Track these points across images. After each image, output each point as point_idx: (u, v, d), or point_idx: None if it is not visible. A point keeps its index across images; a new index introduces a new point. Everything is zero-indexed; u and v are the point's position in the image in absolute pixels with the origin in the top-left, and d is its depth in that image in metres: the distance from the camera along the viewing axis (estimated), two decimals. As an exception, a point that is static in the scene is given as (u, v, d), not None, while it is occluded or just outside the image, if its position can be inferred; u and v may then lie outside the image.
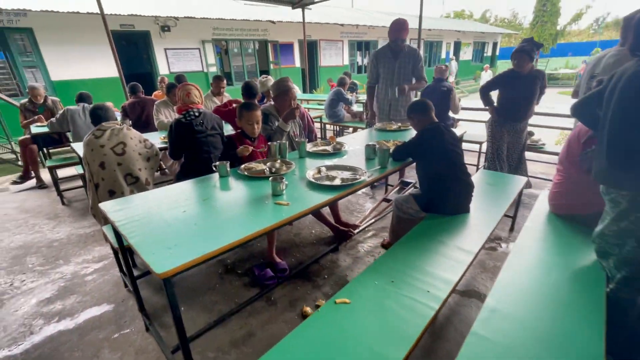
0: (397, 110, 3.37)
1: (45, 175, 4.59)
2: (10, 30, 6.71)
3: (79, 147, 2.95)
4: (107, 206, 1.51)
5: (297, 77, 11.83)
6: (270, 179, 1.60)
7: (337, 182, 1.73)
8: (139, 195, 1.68)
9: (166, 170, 3.95)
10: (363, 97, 6.81)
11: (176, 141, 2.52)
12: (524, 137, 3.27)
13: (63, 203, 3.75)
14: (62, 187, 4.04)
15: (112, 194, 2.23)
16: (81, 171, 3.33)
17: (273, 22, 9.84)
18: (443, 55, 18.86)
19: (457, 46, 19.64)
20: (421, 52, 3.29)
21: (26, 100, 4.42)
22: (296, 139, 2.58)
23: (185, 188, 1.76)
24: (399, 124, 3.16)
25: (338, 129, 6.52)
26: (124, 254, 1.76)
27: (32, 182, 4.43)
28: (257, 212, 1.41)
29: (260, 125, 2.27)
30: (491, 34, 22.06)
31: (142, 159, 2.38)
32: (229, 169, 1.91)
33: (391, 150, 2.10)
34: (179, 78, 4.59)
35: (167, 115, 3.76)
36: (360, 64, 14.45)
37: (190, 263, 1.04)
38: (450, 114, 4.23)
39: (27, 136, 4.24)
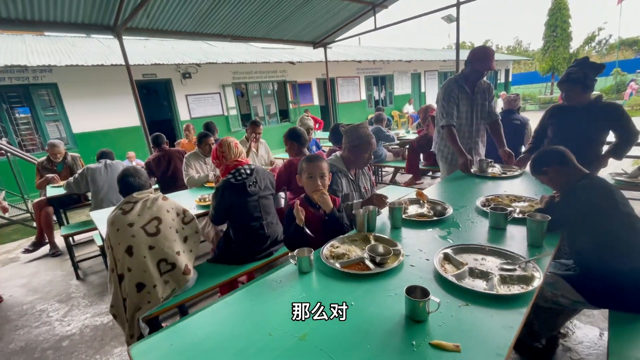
0: (478, 155, 2.77)
1: (59, 238, 4.10)
2: (35, 87, 6.67)
3: (98, 218, 2.43)
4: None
5: (315, 114, 11.62)
6: (404, 291, 0.97)
7: (496, 284, 1.09)
8: (188, 325, 1.06)
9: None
10: (394, 132, 6.33)
11: (223, 206, 1.97)
12: None
13: (78, 277, 3.19)
14: (77, 253, 3.52)
15: (141, 288, 1.64)
16: (100, 242, 2.79)
17: (293, 63, 9.78)
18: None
19: (471, 75, 19.54)
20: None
21: (44, 158, 4.05)
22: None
23: (258, 305, 1.15)
24: (498, 167, 2.55)
25: (374, 168, 5.97)
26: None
27: (46, 248, 3.93)
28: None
29: (327, 184, 1.69)
30: (503, 61, 22.05)
31: (180, 238, 1.82)
32: (312, 259, 1.30)
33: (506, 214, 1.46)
34: (208, 125, 4.19)
35: (199, 169, 3.28)
36: (377, 98, 14.27)
37: None
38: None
39: (43, 198, 3.81)
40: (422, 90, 16.36)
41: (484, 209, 1.71)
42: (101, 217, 2.42)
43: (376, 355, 0.84)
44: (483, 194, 1.97)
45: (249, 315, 1.06)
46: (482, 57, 2.52)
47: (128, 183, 1.78)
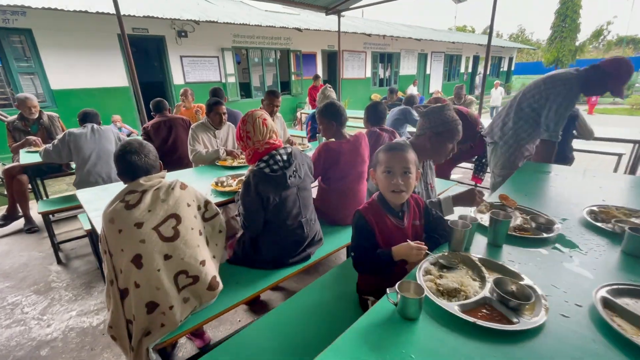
0: None
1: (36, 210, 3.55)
2: (5, 31, 5.76)
3: (88, 199, 1.93)
4: None
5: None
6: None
7: None
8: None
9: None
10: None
11: (257, 206, 1.52)
12: None
13: (59, 261, 2.71)
14: (58, 231, 3.03)
15: (153, 309, 1.21)
16: (87, 225, 2.30)
17: (300, 29, 8.99)
18: (462, 69, 18.20)
19: (476, 60, 19.03)
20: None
21: (15, 117, 3.42)
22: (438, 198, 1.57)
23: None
24: None
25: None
26: None
27: (19, 222, 3.39)
28: None
29: (413, 183, 1.25)
30: (508, 49, 21.50)
31: (204, 241, 1.37)
32: (422, 301, 0.90)
33: None
34: (216, 91, 3.62)
35: (207, 144, 2.77)
36: (382, 77, 13.63)
37: None
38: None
39: (15, 164, 3.22)
40: (427, 72, 15.76)
41: (604, 226, 1.34)
42: (90, 199, 1.93)
43: None
44: (572, 201, 1.63)
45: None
46: (630, 71, 1.97)
47: (130, 163, 1.28)
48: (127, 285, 1.20)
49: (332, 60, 11.97)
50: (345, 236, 2.02)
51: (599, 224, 1.37)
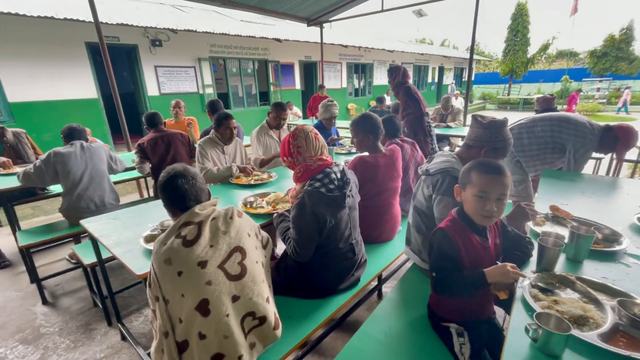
0: None
1: (4, 240, 3.10)
2: (-48, 38, 5.11)
3: (100, 232, 1.67)
4: None
5: (297, 99, 10.90)
6: None
7: None
8: None
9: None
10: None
11: (314, 232, 1.38)
12: None
13: (44, 301, 2.34)
14: (36, 263, 2.63)
15: (218, 361, 1.02)
16: (89, 259, 2.00)
17: (279, 40, 8.90)
18: (429, 79, 19.06)
19: (441, 71, 20.04)
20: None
21: (-23, 135, 2.98)
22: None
23: None
24: None
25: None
26: None
27: (-16, 256, 2.93)
28: None
29: (504, 209, 1.18)
30: (468, 60, 22.91)
31: (265, 274, 1.21)
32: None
33: None
34: (215, 104, 3.39)
35: (216, 161, 2.56)
36: (356, 87, 13.87)
37: None
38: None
39: (-20, 189, 2.78)
40: (398, 82, 16.28)
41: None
42: (103, 230, 1.67)
43: None
44: (611, 208, 1.70)
45: None
46: (635, 140, 2.28)
47: (179, 189, 1.10)
48: (188, 337, 1.01)
49: (308, 70, 12.00)
50: (382, 256, 1.92)
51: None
